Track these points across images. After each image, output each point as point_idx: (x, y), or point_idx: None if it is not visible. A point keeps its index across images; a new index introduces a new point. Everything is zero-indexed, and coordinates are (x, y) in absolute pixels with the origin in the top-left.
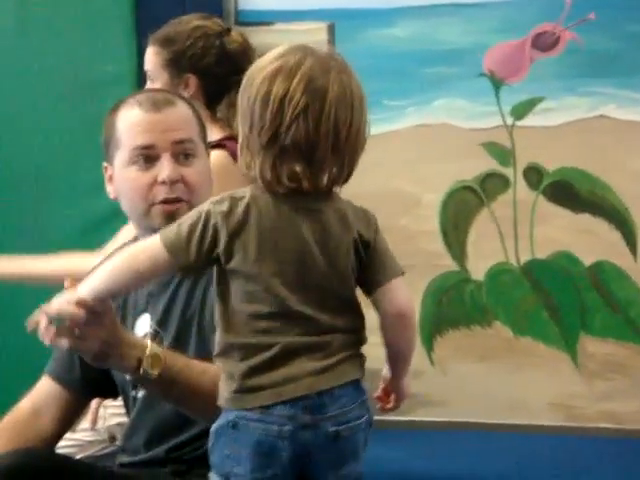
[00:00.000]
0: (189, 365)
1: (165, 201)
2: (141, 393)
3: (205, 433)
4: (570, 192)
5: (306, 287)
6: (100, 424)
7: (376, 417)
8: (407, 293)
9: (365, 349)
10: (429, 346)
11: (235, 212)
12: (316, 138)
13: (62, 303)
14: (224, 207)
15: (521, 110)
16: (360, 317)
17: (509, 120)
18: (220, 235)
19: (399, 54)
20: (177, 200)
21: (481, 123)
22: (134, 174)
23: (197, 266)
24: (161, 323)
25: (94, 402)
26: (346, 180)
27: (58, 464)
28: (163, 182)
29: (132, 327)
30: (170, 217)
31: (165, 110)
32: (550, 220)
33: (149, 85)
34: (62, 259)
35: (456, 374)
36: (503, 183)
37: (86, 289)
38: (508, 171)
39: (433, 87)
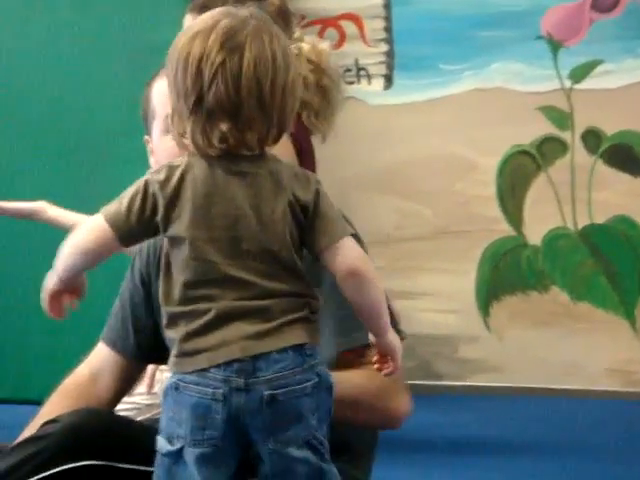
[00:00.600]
0: None
1: None
2: None
3: None
4: (629, 155)
5: (242, 253)
6: (157, 388)
7: (431, 382)
8: (357, 251)
9: (416, 314)
10: (485, 312)
11: (171, 180)
12: (237, 97)
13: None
14: (161, 176)
15: (579, 73)
16: (304, 281)
17: (567, 83)
18: (158, 203)
19: (455, 17)
20: None
21: (538, 86)
22: (169, 143)
23: (139, 236)
24: None
25: (151, 366)
26: (277, 139)
27: (117, 424)
28: None
29: None
30: None
31: None
32: (608, 184)
33: None
34: None
35: (512, 339)
36: (561, 147)
37: (52, 277)
38: (566, 135)
39: (490, 51)
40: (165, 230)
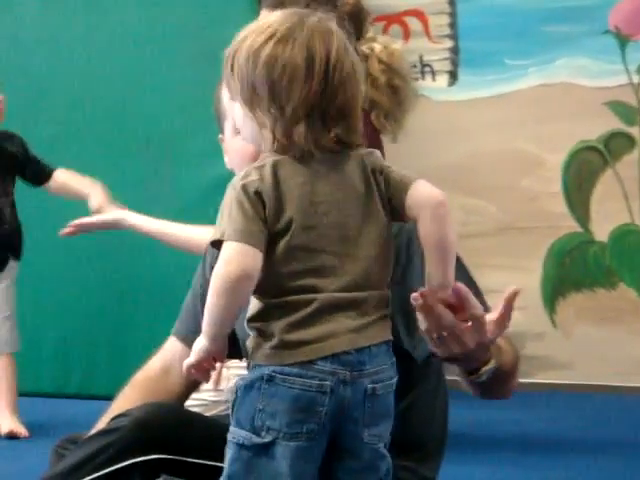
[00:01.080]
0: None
1: None
2: None
3: None
4: None
5: (344, 242)
6: (224, 384)
7: None
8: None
9: None
10: (551, 308)
11: (265, 178)
12: (339, 98)
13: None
14: (254, 177)
15: None
16: (388, 274)
17: (635, 78)
18: (265, 201)
19: (521, 13)
20: None
21: (605, 81)
22: (240, 144)
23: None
24: None
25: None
26: (357, 137)
27: (187, 419)
28: None
29: None
30: None
31: None
32: None
33: None
34: (201, 230)
35: (579, 337)
36: (628, 143)
37: (203, 341)
38: (634, 130)
39: (556, 46)
40: (272, 225)
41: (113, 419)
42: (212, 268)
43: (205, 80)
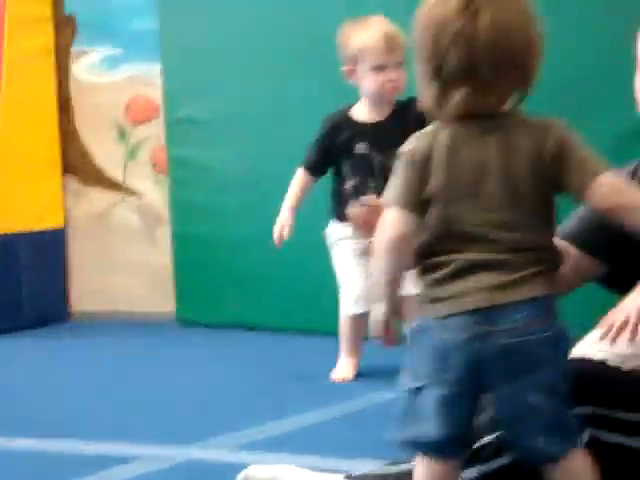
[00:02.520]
0: None
1: None
2: None
3: None
4: None
5: (487, 208)
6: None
7: None
8: (611, 187)
9: None
10: None
11: (420, 146)
12: (473, 62)
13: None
14: (410, 146)
15: None
16: (548, 234)
17: None
18: (416, 170)
19: None
20: None
21: None
22: None
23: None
24: None
25: (634, 314)
26: (521, 99)
27: (613, 373)
28: None
29: None
30: None
31: None
32: None
33: None
34: None
35: None
36: None
37: (379, 305)
38: None
39: None
40: (425, 191)
41: None
42: None
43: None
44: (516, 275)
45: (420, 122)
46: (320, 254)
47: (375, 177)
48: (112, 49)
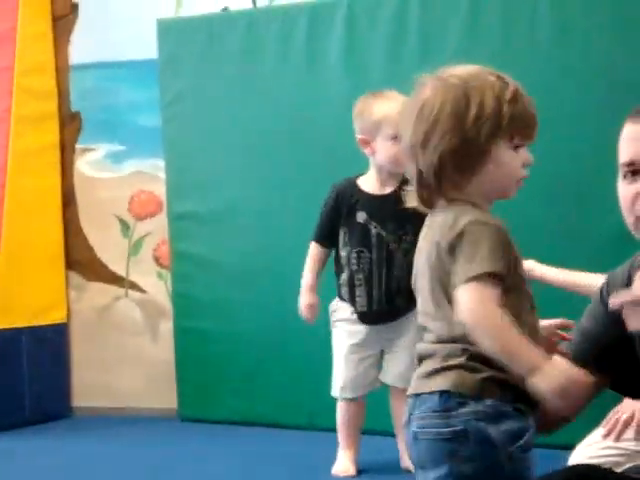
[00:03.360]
0: None
1: None
2: None
3: None
4: None
5: (423, 299)
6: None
7: None
8: (468, 301)
9: None
10: None
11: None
12: None
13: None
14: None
15: None
16: (455, 326)
17: None
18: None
19: None
20: None
21: None
22: (622, 188)
23: None
24: None
25: (638, 410)
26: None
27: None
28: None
29: None
30: None
31: None
32: None
33: None
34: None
35: None
36: None
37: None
38: None
39: None
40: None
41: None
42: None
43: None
44: (437, 366)
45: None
46: (322, 350)
47: (372, 248)
48: (116, 145)
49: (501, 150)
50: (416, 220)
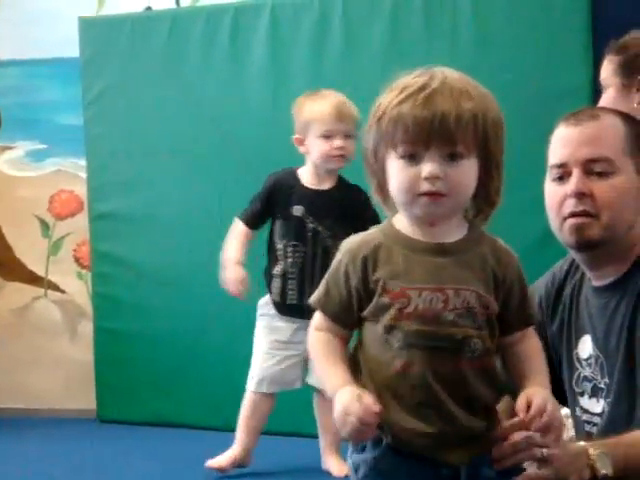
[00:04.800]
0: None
1: (572, 214)
2: None
3: None
4: None
5: None
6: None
7: None
8: None
9: None
10: None
11: None
12: None
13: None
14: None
15: None
16: None
17: None
18: None
19: None
20: (584, 214)
21: None
22: (551, 189)
23: None
24: (601, 347)
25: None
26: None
27: None
28: (570, 195)
29: (575, 347)
30: (576, 230)
31: (585, 124)
32: None
33: (603, 95)
34: None
35: None
36: None
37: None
38: None
39: None
40: None
41: None
42: None
43: (540, 128)
44: None
45: (368, 218)
46: (240, 351)
47: (307, 243)
48: (37, 144)
49: (392, 162)
50: (354, 218)
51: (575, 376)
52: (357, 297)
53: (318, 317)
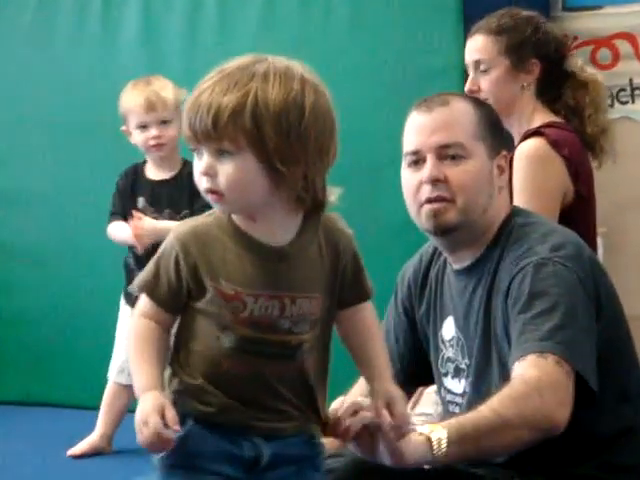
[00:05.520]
0: (478, 423)
1: (428, 200)
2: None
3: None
4: None
5: None
6: (432, 409)
7: None
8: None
9: None
10: None
11: None
12: None
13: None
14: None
15: None
16: None
17: None
18: None
19: None
20: (439, 199)
21: None
22: (407, 176)
23: None
24: (462, 328)
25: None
26: None
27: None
28: (425, 182)
29: (440, 328)
30: (433, 216)
31: (436, 111)
32: None
33: (475, 76)
34: None
35: None
36: None
37: None
38: None
39: None
40: None
41: (328, 457)
42: (404, 305)
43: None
44: None
45: (197, 209)
46: (112, 332)
47: None
48: None
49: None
50: (193, 205)
51: (440, 357)
52: (187, 287)
53: (144, 302)
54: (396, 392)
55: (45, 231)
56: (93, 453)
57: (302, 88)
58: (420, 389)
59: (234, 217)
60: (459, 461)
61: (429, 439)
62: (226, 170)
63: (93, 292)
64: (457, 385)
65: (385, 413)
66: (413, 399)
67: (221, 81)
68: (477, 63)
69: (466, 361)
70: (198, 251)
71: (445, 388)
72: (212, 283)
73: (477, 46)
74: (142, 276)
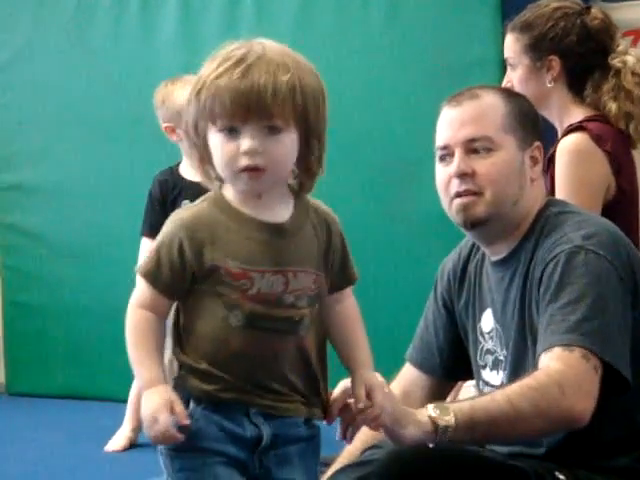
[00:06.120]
0: (490, 410)
1: (457, 194)
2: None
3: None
4: None
5: None
6: None
7: None
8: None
9: None
10: None
11: None
12: None
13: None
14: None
15: None
16: None
17: None
18: None
19: None
20: (468, 193)
21: None
22: (439, 170)
23: None
24: (500, 320)
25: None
26: None
27: (439, 452)
28: (453, 176)
29: (479, 320)
30: (463, 210)
31: (465, 105)
32: None
33: (509, 72)
34: None
35: None
36: None
37: None
38: None
39: None
40: None
41: (366, 450)
42: (444, 298)
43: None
44: None
45: None
46: None
47: None
48: None
49: (212, 136)
50: None
51: (479, 349)
52: (191, 272)
53: (143, 290)
54: (376, 380)
55: (84, 225)
56: (129, 446)
57: (317, 74)
58: (459, 383)
59: (230, 198)
60: (464, 443)
61: (435, 424)
62: (275, 146)
63: (133, 287)
64: (495, 377)
65: (366, 401)
66: (452, 393)
67: (264, 63)
68: (508, 61)
69: (504, 352)
70: (204, 234)
71: (483, 380)
72: (219, 263)
73: (506, 43)
74: (143, 264)
